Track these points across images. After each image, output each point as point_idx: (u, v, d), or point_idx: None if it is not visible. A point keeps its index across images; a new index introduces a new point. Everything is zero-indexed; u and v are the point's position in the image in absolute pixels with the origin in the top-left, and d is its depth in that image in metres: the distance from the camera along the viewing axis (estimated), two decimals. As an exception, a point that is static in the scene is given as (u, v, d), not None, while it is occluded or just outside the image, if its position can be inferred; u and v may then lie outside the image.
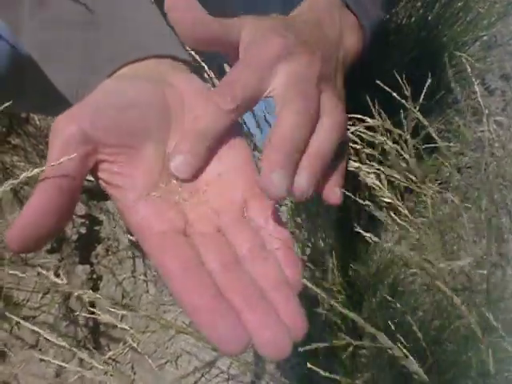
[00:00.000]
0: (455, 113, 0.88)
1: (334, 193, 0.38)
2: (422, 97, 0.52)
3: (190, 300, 0.29)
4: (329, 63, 0.40)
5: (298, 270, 0.32)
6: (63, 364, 0.66)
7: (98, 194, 0.97)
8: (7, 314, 0.65)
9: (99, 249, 0.98)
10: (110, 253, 0.97)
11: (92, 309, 0.86)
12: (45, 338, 0.87)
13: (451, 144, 0.79)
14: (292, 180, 0.33)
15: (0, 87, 0.55)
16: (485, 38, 0.92)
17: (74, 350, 0.54)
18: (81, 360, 0.88)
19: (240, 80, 0.35)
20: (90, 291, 0.57)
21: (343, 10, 0.44)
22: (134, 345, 0.79)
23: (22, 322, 0.51)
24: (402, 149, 0.57)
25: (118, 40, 0.37)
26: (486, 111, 0.63)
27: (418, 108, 0.55)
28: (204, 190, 0.34)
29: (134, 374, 0.93)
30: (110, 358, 0.86)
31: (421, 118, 0.46)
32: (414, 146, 0.57)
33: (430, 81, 0.51)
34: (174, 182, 0.34)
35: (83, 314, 0.81)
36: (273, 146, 0.33)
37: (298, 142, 0.34)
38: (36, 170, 0.31)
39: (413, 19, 0.89)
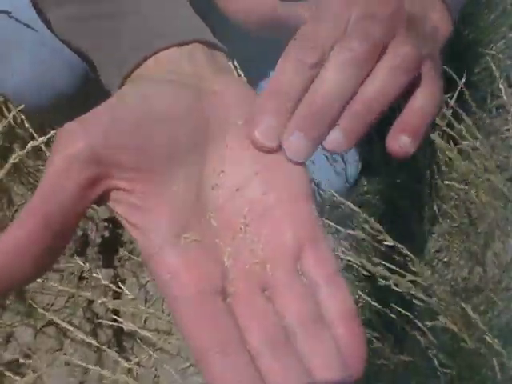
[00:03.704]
0: (482, 112, 0.87)
1: (397, 141, 0.31)
2: (454, 97, 0.51)
3: None
4: (414, 20, 0.34)
5: (361, 353, 0.26)
6: (89, 366, 0.66)
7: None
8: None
9: (122, 252, 0.98)
10: (133, 256, 0.97)
11: (115, 316, 0.87)
12: (70, 342, 0.88)
13: (477, 144, 0.78)
14: (318, 142, 0.29)
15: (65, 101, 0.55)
16: (511, 35, 0.91)
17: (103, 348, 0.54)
18: (108, 362, 0.89)
19: (317, 29, 0.31)
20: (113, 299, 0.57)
21: None
22: (155, 356, 0.77)
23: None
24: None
25: (137, 30, 0.32)
26: (512, 109, 0.62)
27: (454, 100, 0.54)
28: (246, 225, 0.28)
29: (158, 377, 0.93)
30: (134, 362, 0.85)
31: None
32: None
33: (463, 80, 0.50)
34: (213, 222, 0.27)
35: (107, 322, 0.80)
36: (302, 104, 0.29)
37: (338, 96, 0.29)
38: (41, 139, 0.25)
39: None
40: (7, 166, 0.47)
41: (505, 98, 0.60)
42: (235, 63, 0.34)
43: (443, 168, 0.52)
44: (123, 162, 0.25)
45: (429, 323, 0.37)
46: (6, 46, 0.52)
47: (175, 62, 0.30)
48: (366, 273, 0.37)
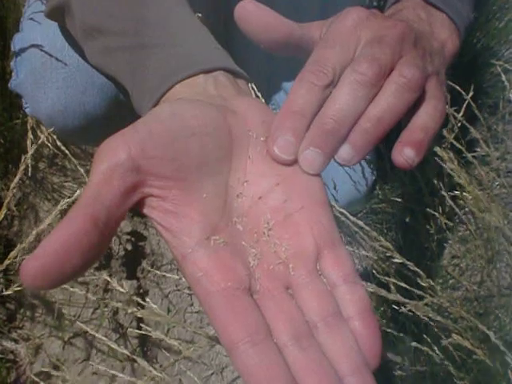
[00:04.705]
0: (494, 119, 0.87)
1: (402, 154, 0.34)
2: (464, 106, 0.53)
3: (258, 383, 0.25)
4: (421, 38, 0.37)
5: (378, 345, 0.28)
6: (116, 373, 0.69)
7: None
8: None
9: (144, 264, 1.01)
10: (155, 267, 1.00)
11: (141, 324, 0.90)
12: (96, 352, 0.91)
13: (491, 150, 0.79)
14: (330, 156, 0.32)
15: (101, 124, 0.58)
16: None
17: (128, 355, 0.56)
18: (133, 371, 0.91)
19: (327, 53, 0.34)
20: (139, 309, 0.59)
21: (429, 9, 0.43)
22: (179, 364, 0.79)
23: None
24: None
25: (168, 58, 0.35)
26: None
27: (461, 114, 0.56)
28: (269, 229, 0.30)
29: (182, 385, 0.96)
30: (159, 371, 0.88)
31: (470, 126, 0.47)
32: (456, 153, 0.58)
33: (471, 93, 0.52)
34: (238, 226, 0.30)
35: (132, 331, 0.83)
36: (316, 122, 0.32)
37: (348, 115, 0.32)
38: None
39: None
40: (57, 210, 0.49)
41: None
42: (253, 86, 0.37)
43: (450, 177, 0.54)
44: (159, 172, 0.27)
45: (442, 341, 0.39)
46: (39, 73, 0.55)
47: (201, 85, 0.33)
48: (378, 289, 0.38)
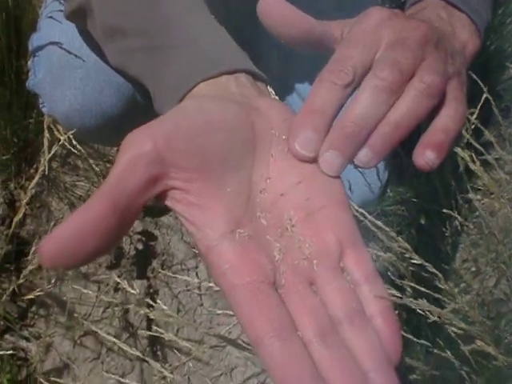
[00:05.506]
0: (507, 122, 0.87)
1: (423, 156, 0.34)
2: (478, 108, 0.53)
3: (285, 377, 0.25)
4: (443, 38, 0.38)
5: (398, 342, 0.29)
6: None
7: (153, 211, 1.01)
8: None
9: (155, 263, 1.01)
10: (165, 267, 1.00)
11: (151, 324, 0.90)
12: (106, 351, 0.91)
13: (505, 153, 0.79)
14: (349, 159, 0.32)
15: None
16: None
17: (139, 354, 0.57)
18: (142, 370, 0.92)
19: (349, 53, 0.34)
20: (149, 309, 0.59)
21: (450, 9, 0.43)
22: (189, 364, 0.79)
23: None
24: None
25: (189, 60, 0.35)
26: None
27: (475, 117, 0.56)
28: (292, 225, 0.30)
29: (191, 385, 0.96)
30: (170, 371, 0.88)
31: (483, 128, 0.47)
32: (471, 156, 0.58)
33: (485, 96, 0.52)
34: (262, 220, 0.30)
35: (147, 332, 0.83)
36: (336, 125, 0.32)
37: (368, 119, 0.33)
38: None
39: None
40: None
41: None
42: (271, 90, 0.38)
43: (467, 179, 0.53)
44: (183, 164, 0.28)
45: (465, 348, 0.38)
46: (57, 73, 0.55)
47: (224, 84, 0.33)
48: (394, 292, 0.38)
